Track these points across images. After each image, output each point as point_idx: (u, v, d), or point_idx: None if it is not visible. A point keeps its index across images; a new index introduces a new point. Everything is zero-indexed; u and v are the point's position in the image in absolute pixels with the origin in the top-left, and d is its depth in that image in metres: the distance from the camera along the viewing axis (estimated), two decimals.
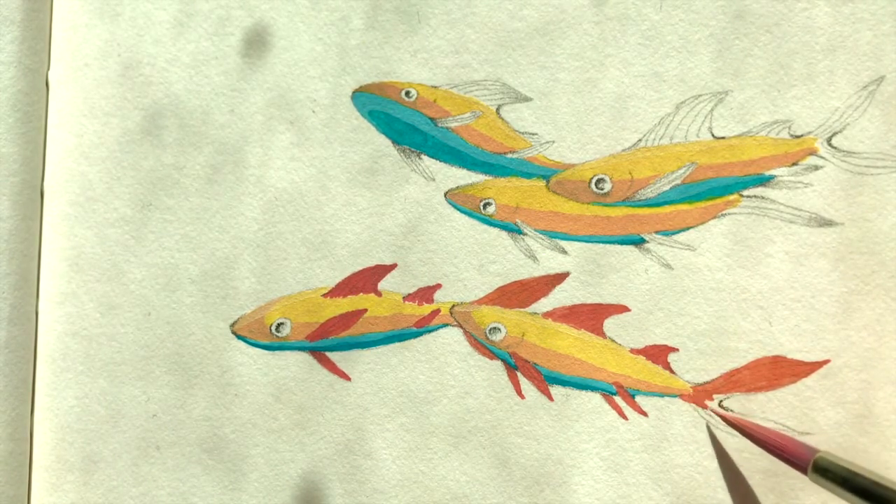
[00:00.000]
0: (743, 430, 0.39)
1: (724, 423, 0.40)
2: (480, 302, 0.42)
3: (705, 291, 0.41)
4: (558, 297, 0.42)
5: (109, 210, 0.46)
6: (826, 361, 0.40)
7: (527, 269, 0.42)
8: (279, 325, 0.44)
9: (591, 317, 0.42)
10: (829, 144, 0.40)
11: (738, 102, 0.41)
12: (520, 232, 0.43)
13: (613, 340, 0.41)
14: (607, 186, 0.42)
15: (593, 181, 0.42)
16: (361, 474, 0.42)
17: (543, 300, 0.42)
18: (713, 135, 0.41)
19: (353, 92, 0.45)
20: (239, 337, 0.44)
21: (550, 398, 0.41)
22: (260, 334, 0.44)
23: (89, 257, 0.46)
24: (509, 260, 0.42)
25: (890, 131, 0.40)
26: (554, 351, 0.42)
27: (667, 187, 0.42)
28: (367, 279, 0.43)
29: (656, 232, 0.42)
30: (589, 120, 0.42)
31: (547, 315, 0.42)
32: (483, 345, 0.42)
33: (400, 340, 0.43)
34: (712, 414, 0.40)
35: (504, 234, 0.43)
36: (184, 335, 0.44)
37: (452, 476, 0.42)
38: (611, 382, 0.41)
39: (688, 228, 0.41)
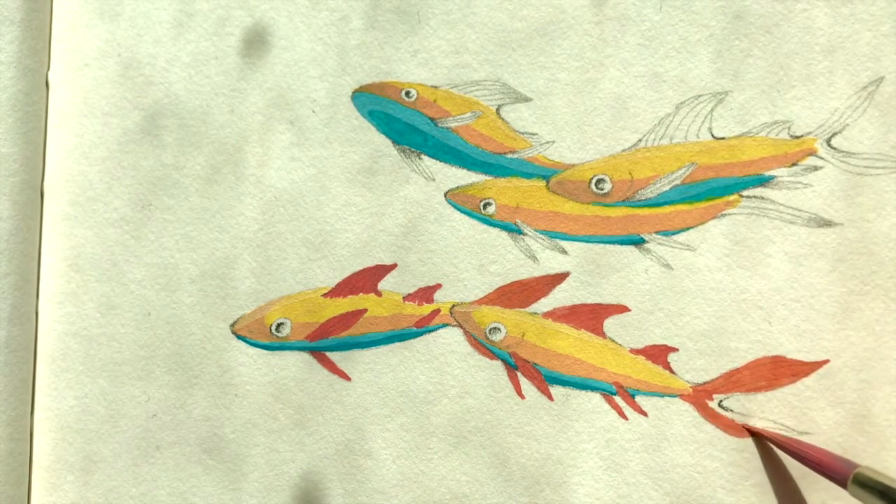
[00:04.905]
0: (781, 445, 0.38)
1: (761, 438, 0.39)
2: (480, 302, 0.43)
3: (705, 291, 0.41)
4: (558, 297, 0.42)
5: (109, 210, 0.46)
6: (825, 361, 0.40)
7: (527, 269, 0.42)
8: (279, 325, 0.44)
9: (591, 317, 0.42)
10: (829, 145, 0.41)
11: (738, 103, 0.41)
12: (520, 232, 0.43)
13: (613, 340, 0.41)
14: (607, 186, 0.42)
15: (593, 181, 0.42)
16: (361, 474, 0.42)
17: (543, 300, 0.42)
18: (713, 135, 0.42)
19: (353, 92, 0.45)
20: (239, 337, 0.44)
21: (550, 398, 0.41)
22: (260, 334, 0.44)
23: (89, 257, 0.46)
24: (509, 260, 0.43)
25: (889, 132, 0.40)
26: (554, 351, 0.42)
27: (667, 187, 0.42)
28: (367, 279, 0.43)
29: (656, 232, 0.42)
30: (589, 120, 0.43)
31: (547, 315, 0.42)
32: (483, 345, 0.42)
33: (400, 340, 0.43)
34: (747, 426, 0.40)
35: (504, 234, 0.43)
36: (184, 335, 0.44)
37: (452, 476, 0.42)
38: (611, 382, 0.41)
39: (688, 228, 0.41)
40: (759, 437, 0.39)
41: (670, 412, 0.41)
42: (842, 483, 0.35)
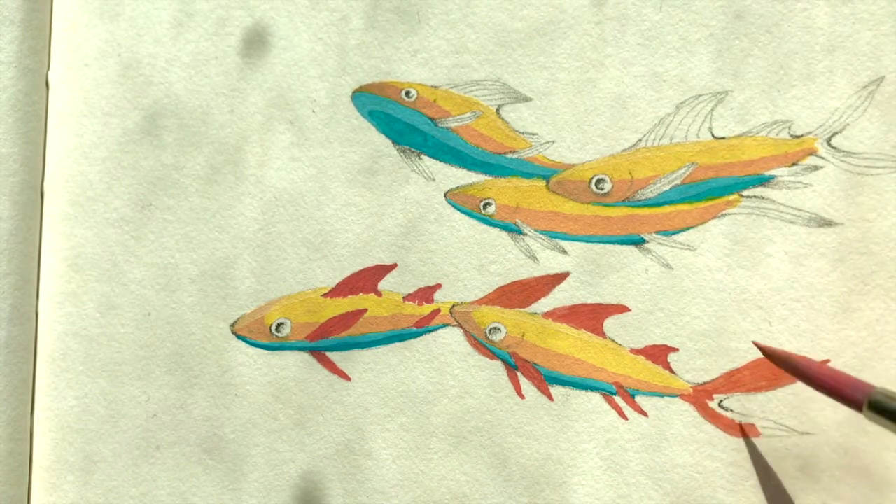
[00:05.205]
0: (791, 365, 0.36)
1: (770, 359, 0.37)
2: (480, 302, 0.42)
3: (705, 291, 0.41)
4: (558, 297, 0.42)
5: (109, 210, 0.46)
6: (826, 362, 0.40)
7: (527, 269, 0.42)
8: (279, 325, 0.44)
9: (591, 317, 0.42)
10: (829, 145, 0.41)
11: (738, 102, 0.41)
12: (520, 232, 0.43)
13: (613, 340, 0.41)
14: (607, 186, 0.42)
15: (593, 181, 0.42)
16: (361, 474, 0.42)
17: (543, 300, 0.42)
18: (713, 135, 0.42)
19: (353, 92, 0.45)
20: (239, 337, 0.44)
21: (550, 398, 0.41)
22: (260, 334, 0.44)
23: (89, 257, 0.46)
24: (509, 260, 0.43)
25: (890, 131, 0.40)
26: (554, 351, 0.42)
27: (667, 187, 0.42)
28: (367, 279, 0.43)
29: (656, 232, 0.42)
30: (589, 120, 0.42)
31: (547, 315, 0.42)
32: (483, 345, 0.42)
33: (400, 340, 0.43)
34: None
35: (504, 234, 0.43)
36: (184, 335, 0.44)
37: (452, 476, 0.42)
38: (611, 382, 0.41)
39: (688, 228, 0.41)
40: (771, 358, 0.37)
41: (670, 412, 0.41)
42: (857, 407, 0.33)
